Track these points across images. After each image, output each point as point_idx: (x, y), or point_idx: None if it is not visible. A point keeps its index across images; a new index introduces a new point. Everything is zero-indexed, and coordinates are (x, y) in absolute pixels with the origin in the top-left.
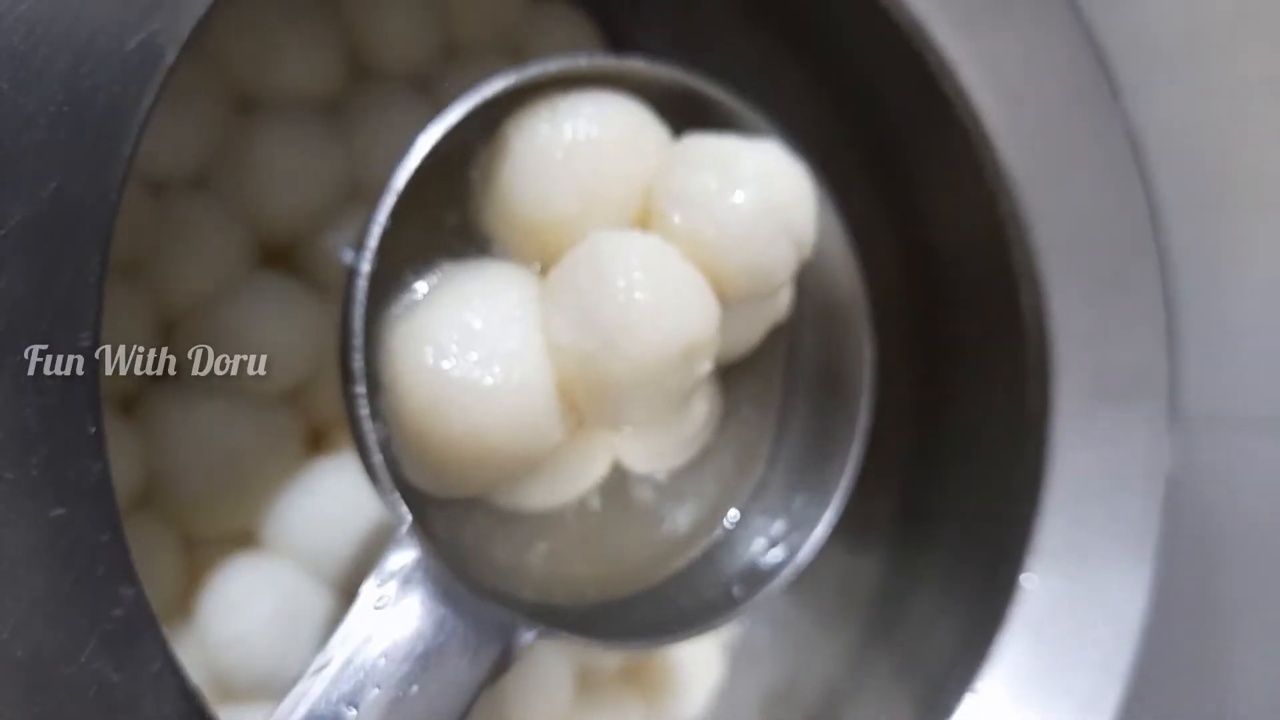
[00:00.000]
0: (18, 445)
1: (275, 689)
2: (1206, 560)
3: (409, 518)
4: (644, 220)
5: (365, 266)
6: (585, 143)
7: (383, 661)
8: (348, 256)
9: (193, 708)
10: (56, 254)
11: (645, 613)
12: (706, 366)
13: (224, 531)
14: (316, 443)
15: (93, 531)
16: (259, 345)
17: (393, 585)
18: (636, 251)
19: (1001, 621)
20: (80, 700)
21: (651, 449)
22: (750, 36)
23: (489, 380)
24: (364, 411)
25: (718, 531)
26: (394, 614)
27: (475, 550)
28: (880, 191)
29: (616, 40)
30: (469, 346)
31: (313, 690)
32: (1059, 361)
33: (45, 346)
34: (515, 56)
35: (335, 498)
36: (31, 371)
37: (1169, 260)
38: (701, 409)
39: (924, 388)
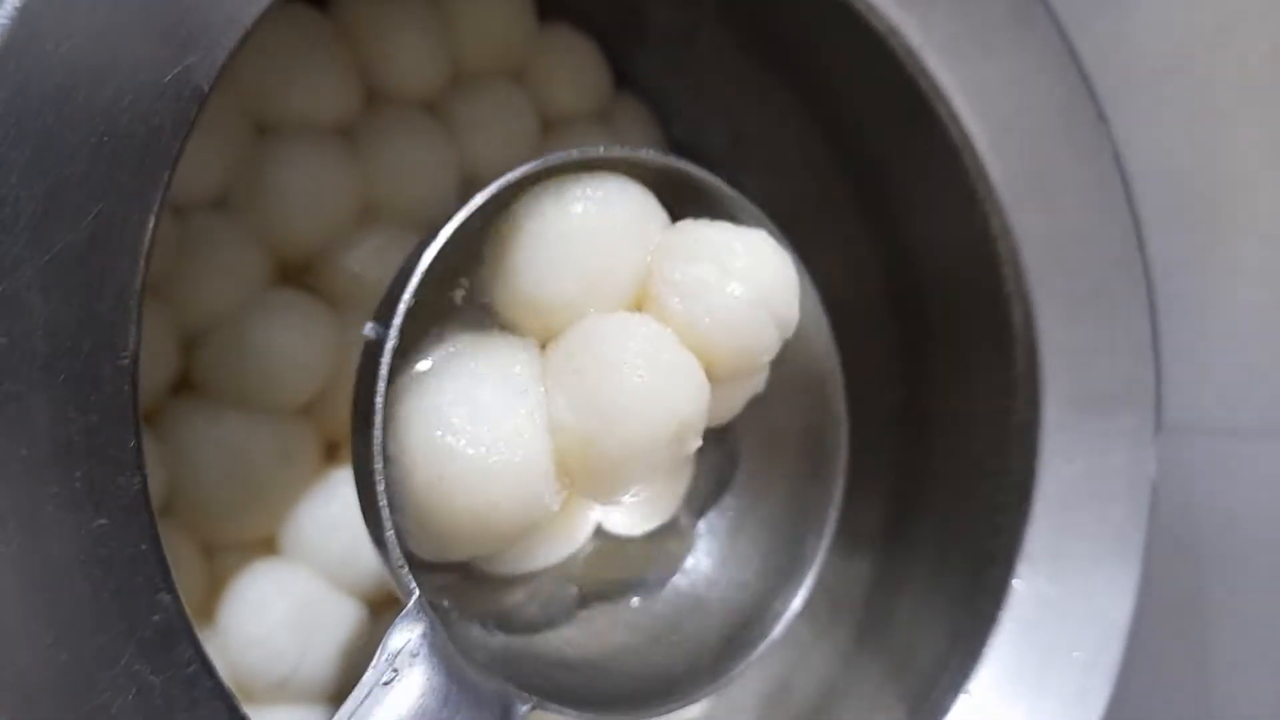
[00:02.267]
0: (62, 460)
1: (293, 690)
2: (1190, 564)
3: (416, 591)
4: (641, 301)
5: (390, 343)
6: (590, 227)
7: None
8: (370, 332)
9: (227, 708)
10: (98, 278)
11: (630, 674)
12: (696, 443)
13: (243, 539)
14: (332, 453)
15: (132, 541)
16: (276, 360)
17: (401, 659)
18: (635, 336)
19: (993, 624)
20: (120, 703)
21: (632, 513)
22: (745, 65)
23: (495, 458)
24: (382, 487)
25: (691, 591)
26: (401, 688)
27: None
28: (871, 213)
29: (619, 67)
30: (477, 422)
31: None
32: (1046, 374)
33: (88, 366)
34: (522, 81)
35: (350, 506)
36: (75, 390)
37: (1154, 273)
38: (682, 475)
39: (916, 398)
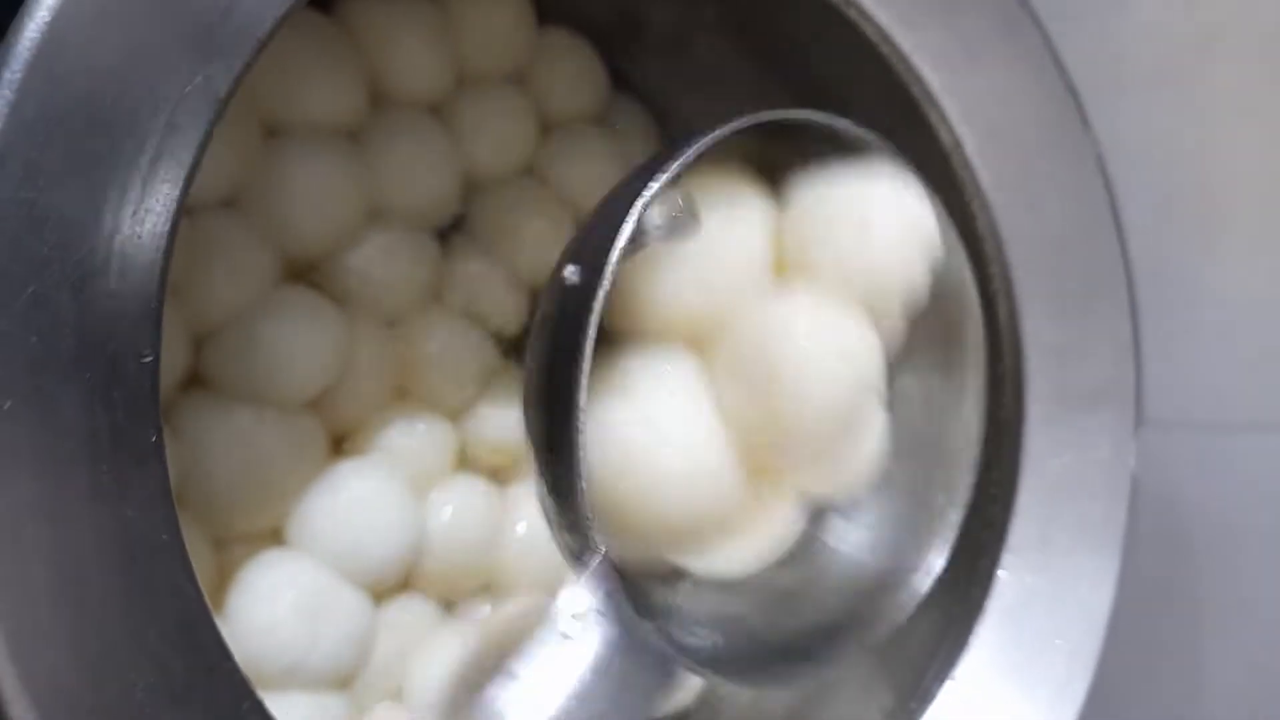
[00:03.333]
0: (89, 455)
1: (301, 678)
2: (1174, 557)
3: (603, 548)
4: (784, 269)
5: (604, 287)
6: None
7: (566, 688)
8: (572, 275)
9: (243, 689)
10: (124, 279)
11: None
12: (876, 397)
13: (252, 530)
14: (338, 446)
15: (155, 532)
16: (285, 355)
17: (582, 615)
18: (794, 310)
19: (979, 613)
20: (144, 684)
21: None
22: (741, 68)
23: (673, 449)
24: (581, 436)
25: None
26: (581, 644)
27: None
28: None
29: (617, 69)
30: (665, 419)
31: (502, 698)
32: (1030, 371)
33: (113, 364)
34: (522, 84)
35: (356, 499)
36: (101, 386)
37: (1138, 272)
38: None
39: None
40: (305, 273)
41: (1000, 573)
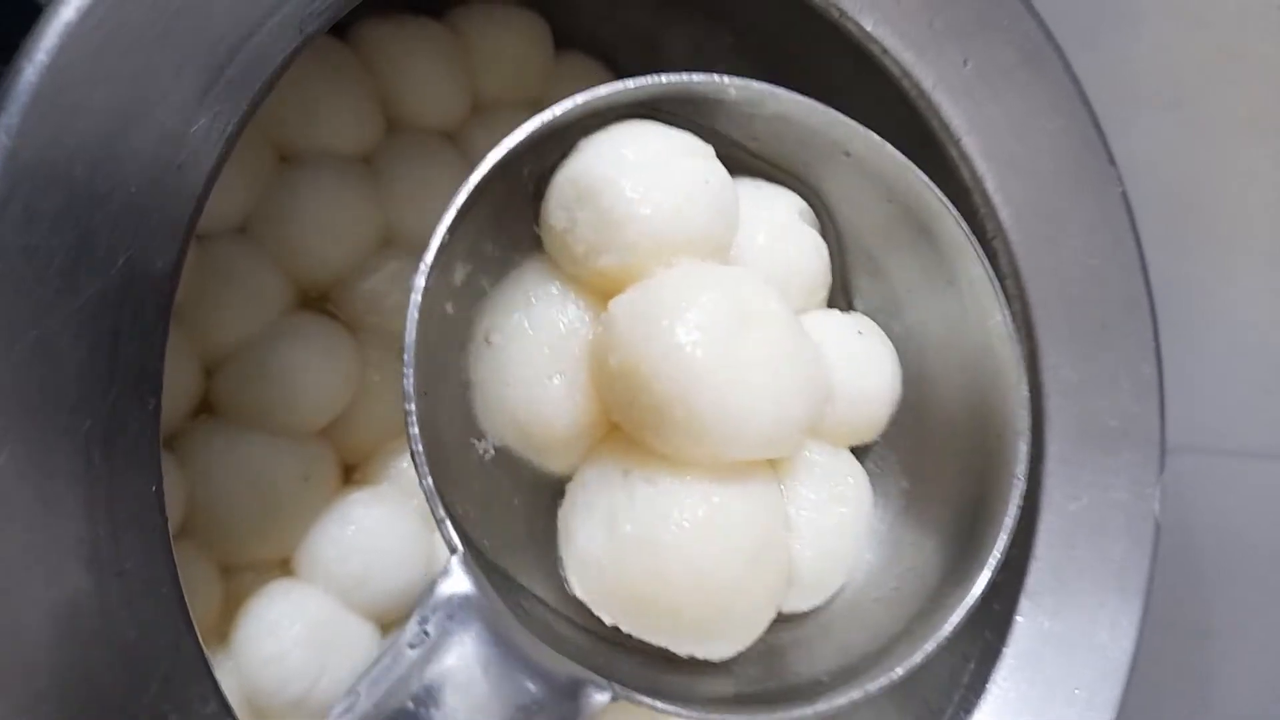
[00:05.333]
0: (86, 502)
1: (307, 710)
2: (1191, 583)
3: (459, 546)
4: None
5: (421, 279)
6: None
7: (412, 706)
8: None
9: None
10: (125, 324)
11: (751, 677)
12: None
13: (260, 560)
14: (349, 475)
15: (155, 583)
16: (296, 383)
17: (434, 622)
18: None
19: (997, 658)
20: None
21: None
22: None
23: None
24: (414, 430)
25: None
26: (434, 655)
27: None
28: None
29: None
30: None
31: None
32: (1050, 410)
33: (114, 411)
34: (538, 110)
35: (366, 529)
36: (101, 435)
37: (1155, 294)
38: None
39: None
40: (317, 299)
41: (1018, 617)
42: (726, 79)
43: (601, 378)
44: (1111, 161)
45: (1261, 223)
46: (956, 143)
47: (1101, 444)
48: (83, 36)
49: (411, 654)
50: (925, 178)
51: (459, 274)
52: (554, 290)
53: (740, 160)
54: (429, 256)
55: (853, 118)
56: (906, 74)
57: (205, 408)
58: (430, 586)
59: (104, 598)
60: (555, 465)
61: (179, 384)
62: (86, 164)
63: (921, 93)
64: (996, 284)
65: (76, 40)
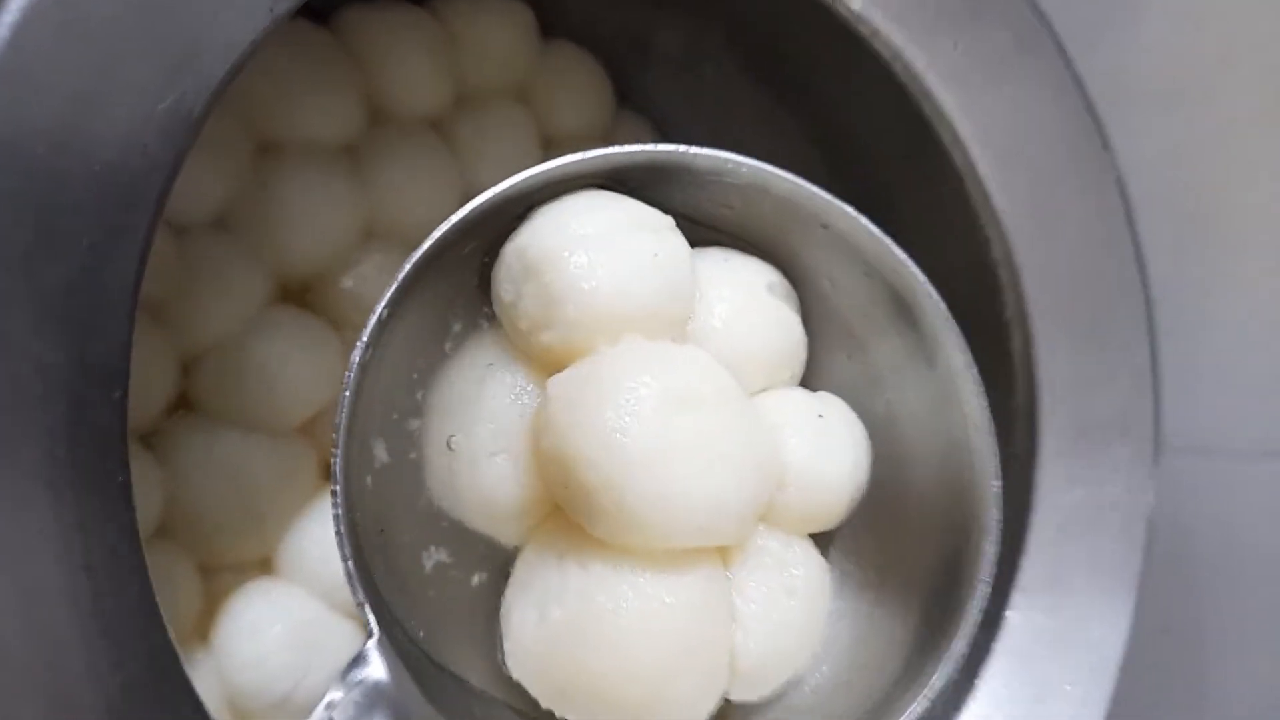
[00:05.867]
0: (52, 496)
1: (289, 711)
2: (1186, 582)
3: (377, 630)
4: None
5: (358, 355)
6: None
7: None
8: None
9: None
10: (90, 313)
11: None
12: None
13: (240, 559)
14: (330, 473)
15: (122, 578)
16: (276, 379)
17: (341, 708)
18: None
19: (986, 655)
20: None
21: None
22: (750, 89)
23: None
24: (336, 511)
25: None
26: None
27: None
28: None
29: (622, 86)
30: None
31: None
32: (1044, 403)
33: (80, 404)
34: (525, 100)
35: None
36: (67, 427)
37: (1153, 294)
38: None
39: None
40: (298, 294)
41: (1008, 613)
42: (694, 150)
43: (538, 458)
44: (1107, 147)
45: (1262, 224)
46: (949, 127)
47: (1096, 439)
48: (46, 12)
49: None
50: (903, 255)
51: (416, 343)
52: (504, 364)
53: (711, 232)
54: (366, 335)
55: (847, 105)
56: (897, 57)
57: (183, 404)
58: (343, 670)
59: (71, 593)
60: (506, 540)
61: (155, 380)
62: (49, 144)
63: (913, 76)
64: (975, 372)
65: (39, 16)
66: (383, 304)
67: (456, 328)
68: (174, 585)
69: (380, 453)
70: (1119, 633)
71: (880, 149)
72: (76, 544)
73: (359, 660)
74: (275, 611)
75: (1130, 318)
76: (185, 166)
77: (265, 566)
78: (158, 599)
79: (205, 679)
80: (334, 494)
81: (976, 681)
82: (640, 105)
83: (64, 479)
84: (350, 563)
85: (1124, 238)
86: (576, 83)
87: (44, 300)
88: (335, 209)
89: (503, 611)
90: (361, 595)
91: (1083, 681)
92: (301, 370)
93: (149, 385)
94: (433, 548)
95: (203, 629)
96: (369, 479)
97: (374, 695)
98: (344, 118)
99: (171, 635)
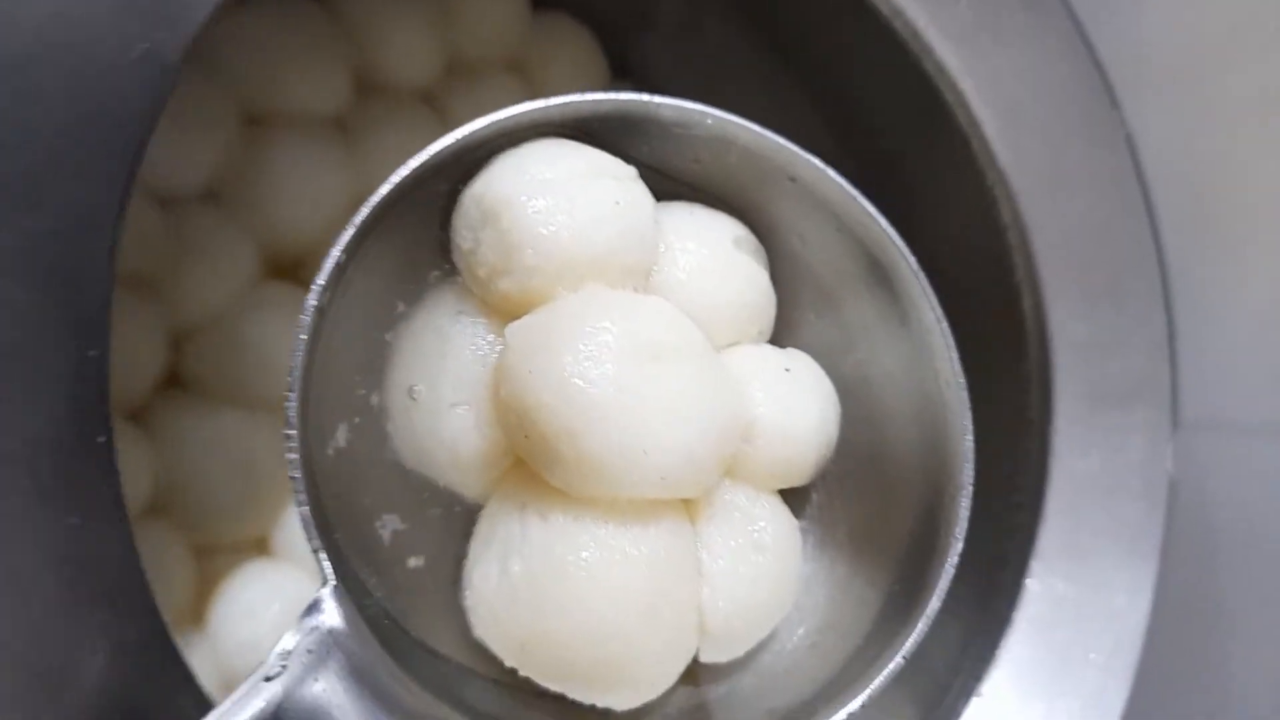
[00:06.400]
0: (30, 453)
1: None
2: (1207, 561)
3: (332, 578)
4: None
5: (312, 301)
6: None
7: None
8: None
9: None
10: (65, 266)
11: None
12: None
13: (236, 540)
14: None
15: (105, 541)
16: (268, 355)
17: (295, 655)
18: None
19: (1006, 625)
20: (96, 707)
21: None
22: (751, 55)
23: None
24: (292, 455)
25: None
26: (291, 691)
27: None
28: (878, 202)
29: (619, 56)
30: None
31: None
32: (1059, 368)
33: (59, 357)
34: (520, 74)
35: None
36: (46, 382)
37: (1170, 270)
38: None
39: None
40: (290, 269)
41: (1028, 581)
42: (658, 99)
43: (498, 408)
44: (1115, 106)
45: (1278, 200)
46: (952, 86)
47: (1112, 402)
48: None
49: (266, 688)
50: (872, 209)
51: (374, 293)
52: (464, 314)
53: (678, 186)
54: (321, 278)
55: (849, 67)
56: (898, 14)
57: (174, 382)
58: (299, 618)
59: (56, 563)
60: (470, 493)
61: (143, 355)
62: (19, 92)
63: (914, 33)
64: (945, 326)
65: None
66: (339, 247)
67: (415, 283)
68: (168, 566)
69: (344, 417)
70: (1143, 600)
71: (885, 112)
72: (59, 504)
73: (313, 608)
74: (272, 592)
75: (1144, 280)
76: (171, 136)
77: (261, 547)
78: (150, 579)
79: (201, 661)
80: (287, 438)
81: (998, 652)
82: (638, 77)
83: (46, 436)
84: (306, 508)
85: (1136, 197)
86: (569, 54)
87: (20, 252)
88: (325, 182)
89: (465, 567)
90: (317, 541)
91: (1107, 650)
92: (290, 347)
93: (137, 361)
94: (394, 515)
95: (198, 611)
96: (332, 443)
97: (328, 642)
98: (333, 89)
99: (163, 601)
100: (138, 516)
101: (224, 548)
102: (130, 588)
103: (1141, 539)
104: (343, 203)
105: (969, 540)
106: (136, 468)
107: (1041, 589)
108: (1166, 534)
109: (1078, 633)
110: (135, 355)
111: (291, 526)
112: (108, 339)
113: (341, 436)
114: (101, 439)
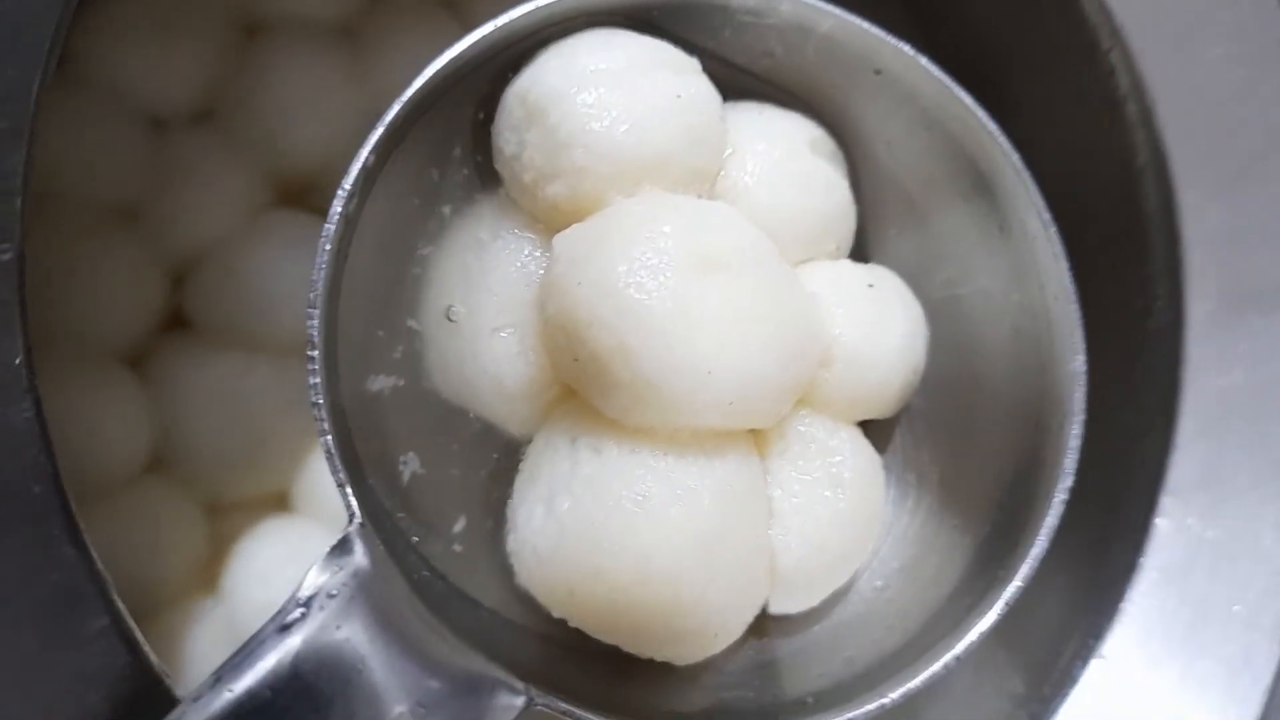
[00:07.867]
0: None
1: None
2: None
3: (359, 515)
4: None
5: (339, 207)
6: None
7: (271, 695)
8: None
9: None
10: None
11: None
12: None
13: (250, 495)
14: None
15: (24, 479)
16: (276, 291)
17: (317, 601)
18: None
19: (1131, 573)
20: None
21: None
22: None
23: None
24: (314, 380)
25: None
26: (312, 639)
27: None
28: (973, 78)
29: None
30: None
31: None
32: (1190, 267)
33: None
34: None
35: None
36: None
37: None
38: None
39: None
40: (296, 195)
41: (1157, 521)
42: None
43: (545, 329)
44: None
45: None
46: None
47: (1256, 305)
48: None
49: (282, 641)
50: (969, 99)
51: (411, 201)
52: (508, 229)
53: (748, 82)
54: (348, 182)
55: None
56: None
57: (174, 323)
58: (323, 559)
59: None
60: (514, 427)
61: (138, 294)
62: None
63: None
64: (1054, 232)
65: None
66: (368, 147)
67: (452, 194)
68: (175, 526)
69: (374, 344)
70: None
71: None
72: None
73: (340, 547)
74: (292, 552)
75: None
76: (158, 50)
77: (280, 503)
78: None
79: (215, 630)
80: (310, 360)
81: (1122, 604)
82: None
83: None
84: (328, 437)
85: (1274, 58)
86: None
87: None
88: (332, 96)
89: (509, 508)
90: (343, 474)
91: (1253, 601)
92: (301, 282)
93: (131, 299)
94: (430, 454)
95: (211, 574)
96: (361, 374)
97: (353, 586)
98: None
99: (94, 550)
100: (138, 473)
101: (238, 504)
102: (57, 535)
103: None
104: (352, 119)
105: (1082, 476)
106: (134, 418)
107: (1174, 529)
108: None
109: (1218, 580)
110: (128, 294)
111: (313, 478)
112: (23, 237)
113: (372, 366)
114: (18, 360)
